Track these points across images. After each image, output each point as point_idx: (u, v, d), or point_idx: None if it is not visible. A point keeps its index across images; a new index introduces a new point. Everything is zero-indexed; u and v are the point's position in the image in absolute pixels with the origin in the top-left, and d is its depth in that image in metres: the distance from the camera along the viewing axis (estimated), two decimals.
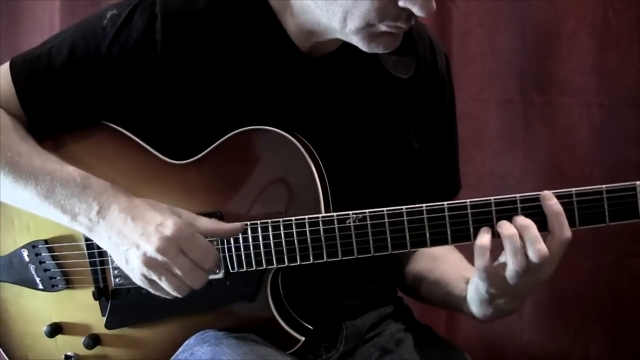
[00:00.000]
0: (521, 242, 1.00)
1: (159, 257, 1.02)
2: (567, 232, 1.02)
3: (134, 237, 1.04)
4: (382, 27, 1.04)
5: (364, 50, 1.08)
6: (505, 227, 1.01)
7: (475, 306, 1.14)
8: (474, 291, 1.11)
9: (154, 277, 1.05)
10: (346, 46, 1.15)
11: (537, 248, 0.99)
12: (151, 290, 1.08)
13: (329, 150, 1.14)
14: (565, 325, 1.92)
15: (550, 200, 1.02)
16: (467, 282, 1.15)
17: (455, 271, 1.24)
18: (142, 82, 1.12)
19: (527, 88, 1.85)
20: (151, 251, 1.03)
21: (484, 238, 1.02)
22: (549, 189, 1.83)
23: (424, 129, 1.26)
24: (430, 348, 1.26)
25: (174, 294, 1.06)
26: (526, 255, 1.00)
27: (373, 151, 1.21)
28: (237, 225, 1.09)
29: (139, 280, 1.07)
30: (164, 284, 1.05)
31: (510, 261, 1.01)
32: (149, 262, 1.03)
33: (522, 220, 1.01)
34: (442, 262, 1.29)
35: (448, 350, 1.28)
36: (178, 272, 1.03)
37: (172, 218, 1.05)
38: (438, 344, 1.29)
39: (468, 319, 1.92)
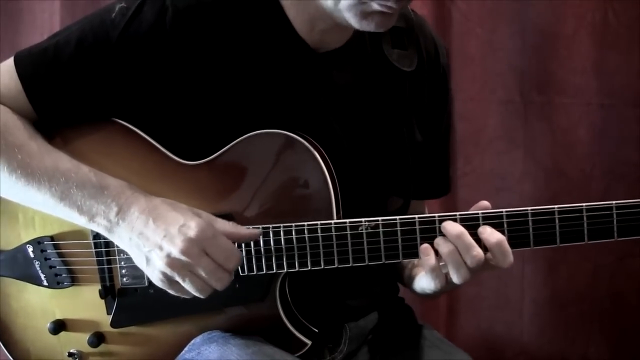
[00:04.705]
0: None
1: (183, 258, 1.02)
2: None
3: (156, 238, 1.03)
4: (374, 5, 1.04)
5: (356, 27, 1.08)
6: (442, 245, 1.04)
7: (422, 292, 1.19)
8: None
9: (178, 279, 1.04)
10: (352, 42, 1.16)
11: (473, 254, 1.02)
12: (171, 291, 1.07)
13: (337, 141, 1.14)
14: (565, 326, 1.93)
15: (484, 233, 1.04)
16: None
17: None
18: (151, 73, 1.11)
19: (527, 88, 1.86)
20: (175, 252, 1.02)
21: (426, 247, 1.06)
22: (549, 189, 1.87)
23: (426, 121, 1.27)
24: (431, 348, 1.27)
25: (197, 294, 1.05)
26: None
27: (380, 142, 1.21)
28: (255, 230, 1.09)
29: (159, 281, 1.06)
30: (187, 285, 1.04)
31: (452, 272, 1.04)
32: (172, 264, 1.02)
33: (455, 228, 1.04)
34: None
35: (449, 350, 1.28)
36: (202, 273, 1.03)
37: (194, 219, 1.04)
38: (439, 344, 1.29)
39: (468, 319, 1.95)
